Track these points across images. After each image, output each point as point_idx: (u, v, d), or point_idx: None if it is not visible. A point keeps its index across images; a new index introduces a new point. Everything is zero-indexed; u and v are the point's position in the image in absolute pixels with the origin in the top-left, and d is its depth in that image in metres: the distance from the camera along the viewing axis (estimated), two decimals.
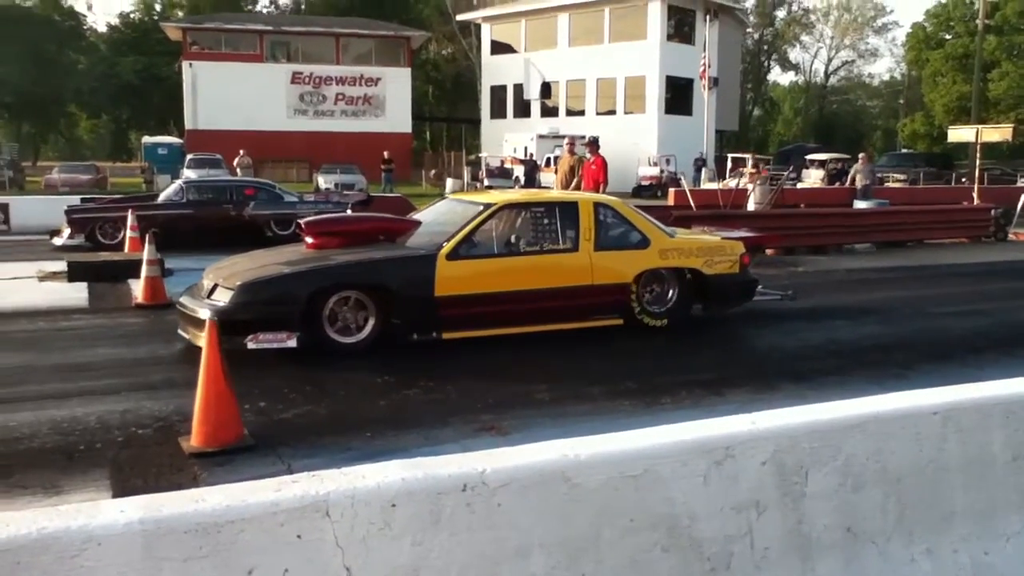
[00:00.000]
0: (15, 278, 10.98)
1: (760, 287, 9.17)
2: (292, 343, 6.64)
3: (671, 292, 8.16)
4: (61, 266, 11.19)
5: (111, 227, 14.30)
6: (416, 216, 8.53)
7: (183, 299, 7.20)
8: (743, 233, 9.09)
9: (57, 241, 14.48)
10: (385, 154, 31.30)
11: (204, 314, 6.55)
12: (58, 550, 2.02)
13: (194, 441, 4.72)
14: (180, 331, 7.17)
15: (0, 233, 18.36)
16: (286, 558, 2.22)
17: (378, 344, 7.03)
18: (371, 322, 7.03)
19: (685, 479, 2.71)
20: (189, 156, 32.96)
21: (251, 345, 6.57)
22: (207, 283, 7.15)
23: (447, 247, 7.22)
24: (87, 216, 14.81)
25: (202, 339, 6.65)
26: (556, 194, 10.47)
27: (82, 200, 18.21)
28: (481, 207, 7.65)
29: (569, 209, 7.82)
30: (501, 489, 2.46)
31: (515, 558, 2.49)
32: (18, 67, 51.27)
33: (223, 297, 6.75)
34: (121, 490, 4.18)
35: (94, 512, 2.12)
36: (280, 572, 2.20)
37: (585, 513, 2.57)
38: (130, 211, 13.01)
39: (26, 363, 6.77)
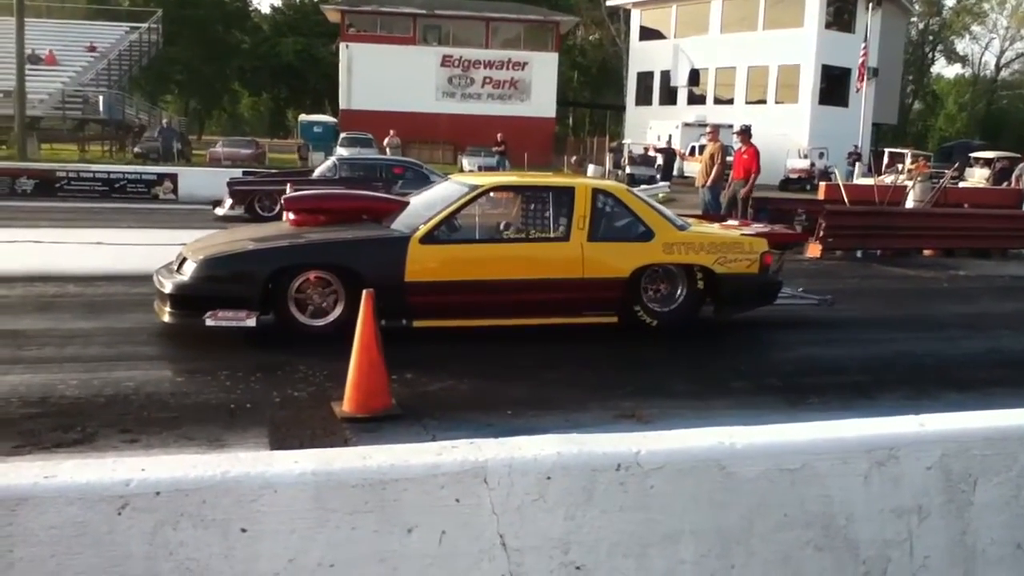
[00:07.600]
0: (184, 244, 11.69)
1: (800, 290, 8.58)
2: (251, 323, 6.32)
3: (680, 291, 7.39)
4: None
5: (268, 200, 15.02)
6: (413, 197, 8.08)
7: (158, 271, 6.95)
8: (767, 228, 8.36)
9: (219, 211, 15.32)
10: (499, 136, 31.48)
11: (168, 288, 6.50)
12: (239, 493, 2.15)
13: (346, 407, 4.90)
14: (154, 305, 6.87)
15: (169, 201, 19.69)
16: (444, 520, 2.28)
17: (348, 328, 6.36)
18: (340, 305, 6.63)
19: (844, 477, 2.62)
20: (342, 135, 34.20)
21: (209, 322, 6.29)
22: (181, 256, 6.89)
23: (422, 230, 6.78)
24: (247, 188, 15.64)
25: (165, 314, 6.54)
26: (553, 179, 9.47)
27: (243, 173, 19.27)
28: (467, 188, 7.18)
29: (564, 195, 7.18)
30: (655, 471, 2.45)
31: (665, 542, 2.48)
32: (189, 46, 54.50)
33: (187, 271, 6.54)
34: (279, 448, 4.37)
35: (271, 461, 2.25)
36: (438, 533, 2.27)
37: (738, 503, 2.53)
38: (288, 185, 13.61)
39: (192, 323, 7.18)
